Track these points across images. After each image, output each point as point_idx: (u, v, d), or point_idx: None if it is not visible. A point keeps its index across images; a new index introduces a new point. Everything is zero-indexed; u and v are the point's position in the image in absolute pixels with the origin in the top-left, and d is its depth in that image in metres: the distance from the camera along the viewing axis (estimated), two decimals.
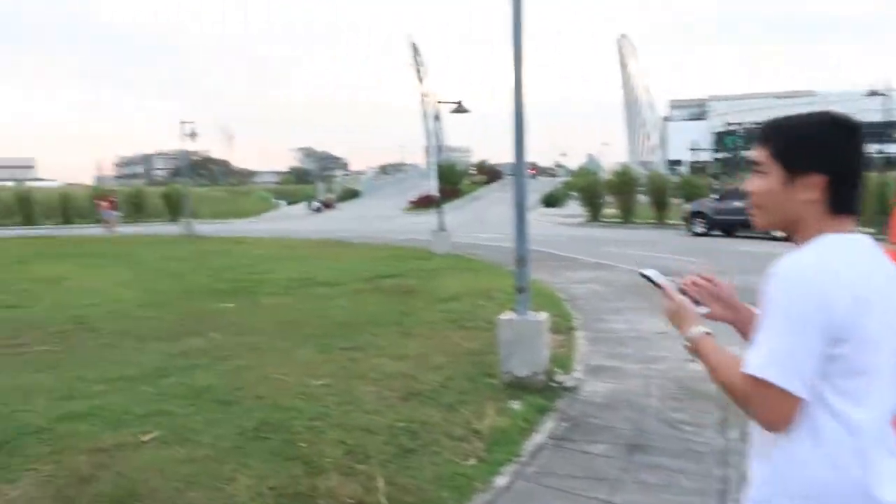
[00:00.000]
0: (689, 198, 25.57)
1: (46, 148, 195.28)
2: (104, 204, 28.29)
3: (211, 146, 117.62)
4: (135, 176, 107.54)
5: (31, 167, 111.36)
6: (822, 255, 1.23)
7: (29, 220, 35.65)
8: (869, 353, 1.22)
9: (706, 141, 60.34)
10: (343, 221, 33.69)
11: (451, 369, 5.67)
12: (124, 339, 7.01)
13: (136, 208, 38.74)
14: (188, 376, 5.53)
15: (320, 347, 6.45)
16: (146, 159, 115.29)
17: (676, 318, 1.48)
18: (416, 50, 17.57)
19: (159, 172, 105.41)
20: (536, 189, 43.85)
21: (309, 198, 54.76)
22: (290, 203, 55.90)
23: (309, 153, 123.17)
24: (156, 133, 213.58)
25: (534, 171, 59.56)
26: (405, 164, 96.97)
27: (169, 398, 4.96)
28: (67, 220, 36.28)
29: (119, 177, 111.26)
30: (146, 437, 4.20)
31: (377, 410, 4.66)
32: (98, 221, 28.16)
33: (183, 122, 28.55)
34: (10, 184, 48.94)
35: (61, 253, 16.58)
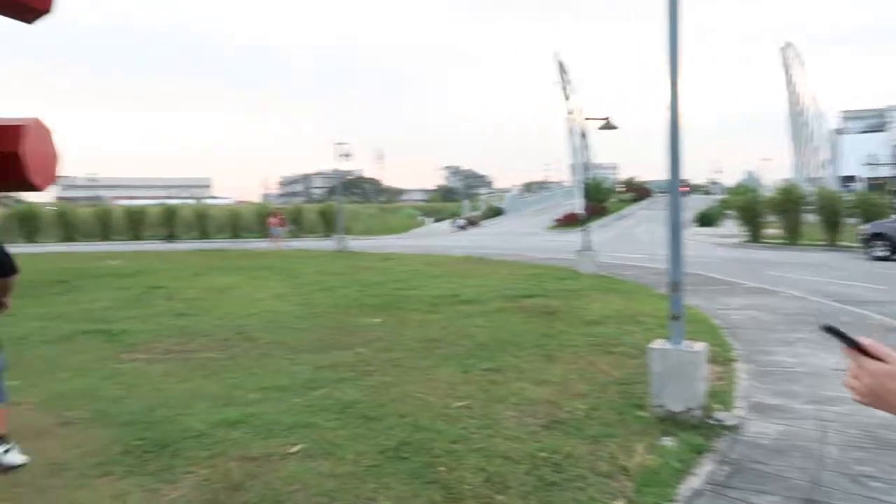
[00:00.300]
0: (866, 218, 23.08)
1: (221, 169, 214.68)
2: (273, 220, 30.23)
3: (364, 165, 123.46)
4: (295, 194, 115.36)
5: (207, 186, 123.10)
6: None
7: (204, 235, 39.20)
8: None
9: (886, 154, 54.51)
10: (487, 239, 33.91)
11: (597, 398, 5.38)
12: (279, 350, 7.37)
13: (295, 224, 41.46)
14: (335, 389, 5.68)
15: (462, 367, 6.40)
16: (306, 178, 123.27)
17: (883, 389, 1.07)
18: (562, 67, 17.31)
19: (317, 191, 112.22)
20: (690, 207, 41.71)
21: (454, 215, 55.79)
22: (436, 220, 57.33)
23: (455, 171, 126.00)
24: (316, 154, 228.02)
25: (686, 189, 56.82)
26: (549, 182, 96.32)
27: (316, 410, 5.10)
28: (236, 234, 39.50)
29: (282, 195, 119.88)
30: (293, 449, 4.32)
31: (518, 437, 4.49)
32: (266, 236, 30.15)
33: (338, 144, 30.15)
34: (190, 202, 54.28)
35: (230, 266, 17.97)
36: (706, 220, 42.41)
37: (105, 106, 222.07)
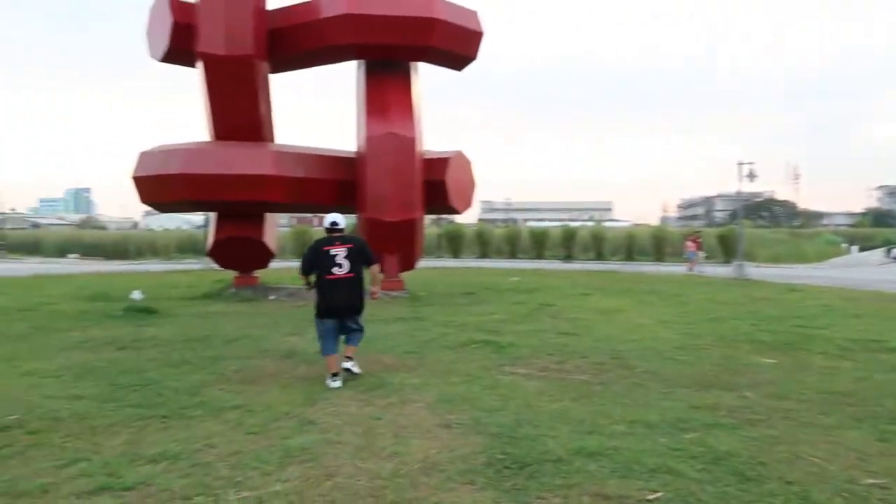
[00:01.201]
0: None
1: (622, 192, 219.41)
2: (690, 244, 28.88)
3: (775, 187, 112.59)
4: (695, 217, 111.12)
5: (608, 210, 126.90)
6: None
7: (600, 256, 40.35)
8: None
9: None
10: None
11: None
12: (654, 381, 6.96)
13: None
14: (709, 435, 5.06)
15: (879, 433, 5.12)
16: (707, 201, 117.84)
17: None
18: None
19: (719, 214, 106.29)
20: None
21: (888, 243, 46.89)
22: (862, 249, 48.89)
23: (892, 192, 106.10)
24: (719, 175, 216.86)
25: None
26: None
27: (684, 456, 4.59)
28: (630, 257, 39.68)
29: (680, 218, 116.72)
30: (651, 496, 3.92)
31: None
32: (683, 260, 28.76)
33: (741, 164, 27.94)
34: (588, 224, 56.59)
35: (618, 288, 18.02)
36: None
37: (518, 136, 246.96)
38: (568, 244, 41.89)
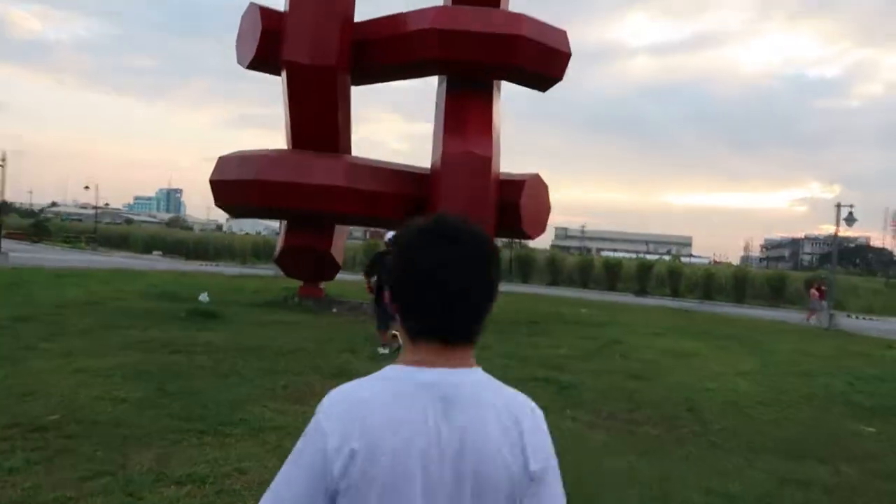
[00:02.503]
0: None
1: (701, 227, 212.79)
2: (815, 293, 26.71)
3: (869, 233, 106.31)
4: (780, 259, 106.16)
5: (687, 244, 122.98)
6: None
7: (676, 293, 38.72)
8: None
9: None
10: None
11: None
12: (734, 441, 6.22)
13: (775, 293, 37.73)
14: None
15: None
16: (793, 243, 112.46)
17: None
18: None
19: (806, 257, 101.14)
20: None
21: None
22: None
23: None
24: (807, 217, 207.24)
25: None
26: None
27: None
28: (708, 296, 37.87)
29: (763, 259, 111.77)
30: None
31: None
32: (806, 309, 26.61)
33: (839, 206, 26.22)
34: (665, 258, 54.74)
35: (695, 329, 16.96)
36: None
37: (596, 163, 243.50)
38: (643, 278, 40.42)
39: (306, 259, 15.70)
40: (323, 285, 16.66)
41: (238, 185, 14.46)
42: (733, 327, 18.64)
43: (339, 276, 17.96)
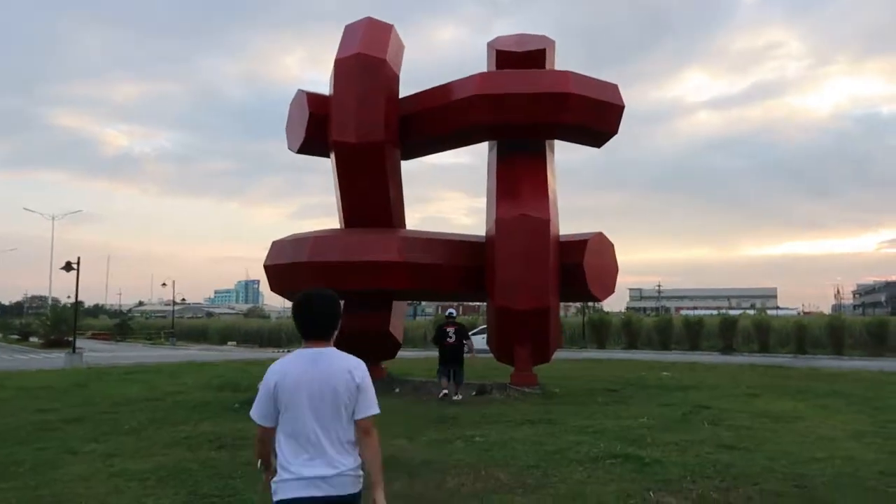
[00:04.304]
0: None
1: (784, 277, 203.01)
2: None
3: None
4: (877, 305, 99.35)
5: (773, 297, 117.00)
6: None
7: (764, 348, 36.21)
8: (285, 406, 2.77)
9: None
10: None
11: None
12: None
13: (877, 340, 34.78)
14: None
15: None
16: (890, 286, 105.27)
17: None
18: None
19: None
20: None
21: None
22: None
23: None
24: None
25: None
26: None
27: None
28: (801, 349, 35.21)
29: (858, 305, 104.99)
30: None
31: None
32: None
33: None
34: (751, 312, 51.80)
35: (791, 387, 15.35)
36: None
37: (666, 222, 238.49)
38: (727, 334, 38.11)
39: (365, 339, 15.20)
40: (385, 364, 16.06)
41: (291, 268, 14.26)
42: (835, 382, 16.84)
43: (407, 353, 17.37)
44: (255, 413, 2.79)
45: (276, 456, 2.78)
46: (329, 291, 2.94)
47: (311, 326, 2.84)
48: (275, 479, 2.73)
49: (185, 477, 6.69)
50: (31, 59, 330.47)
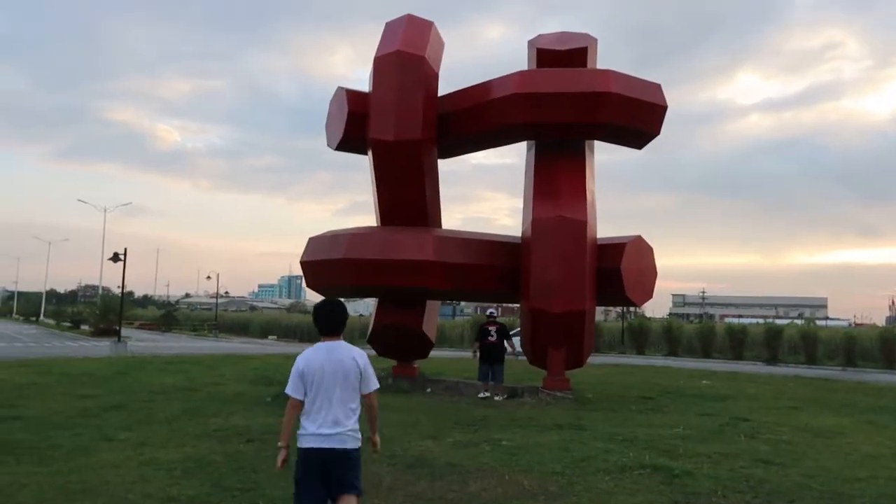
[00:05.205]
0: None
1: (835, 286, 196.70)
2: None
3: None
4: None
5: (823, 307, 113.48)
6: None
7: (811, 360, 35.04)
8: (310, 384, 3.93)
9: None
10: None
11: None
12: None
13: None
14: None
15: None
16: None
17: None
18: None
19: None
20: None
21: None
22: None
23: None
24: None
25: None
26: None
27: None
28: (850, 362, 33.97)
29: None
30: None
31: None
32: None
33: None
34: (798, 321, 50.26)
35: (836, 402, 14.79)
36: None
37: (713, 227, 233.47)
38: (772, 344, 36.97)
39: (398, 338, 15.21)
40: (417, 363, 16.05)
41: (327, 264, 14.35)
42: (884, 398, 16.18)
43: (443, 353, 17.33)
44: (289, 389, 3.93)
45: (298, 425, 3.93)
46: (340, 301, 4.27)
47: (330, 326, 4.06)
48: (299, 431, 3.90)
49: (211, 469, 6.76)
50: (86, 55, 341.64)
